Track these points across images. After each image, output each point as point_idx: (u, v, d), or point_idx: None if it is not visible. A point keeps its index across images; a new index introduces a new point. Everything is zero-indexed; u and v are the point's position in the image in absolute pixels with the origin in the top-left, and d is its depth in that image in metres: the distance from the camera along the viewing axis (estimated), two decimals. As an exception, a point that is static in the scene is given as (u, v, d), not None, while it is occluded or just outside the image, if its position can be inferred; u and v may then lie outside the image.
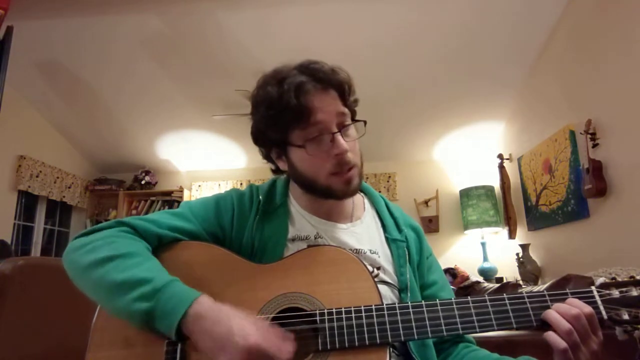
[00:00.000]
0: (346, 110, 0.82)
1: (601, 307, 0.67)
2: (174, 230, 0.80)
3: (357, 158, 0.83)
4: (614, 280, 0.69)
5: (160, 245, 0.79)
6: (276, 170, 0.92)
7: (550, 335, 0.64)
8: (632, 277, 0.66)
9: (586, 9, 2.66)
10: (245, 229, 0.85)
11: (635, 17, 2.26)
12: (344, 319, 0.69)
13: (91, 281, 0.71)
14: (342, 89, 0.82)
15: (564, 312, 0.65)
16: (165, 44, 3.22)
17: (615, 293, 0.68)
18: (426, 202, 4.45)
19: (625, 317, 0.66)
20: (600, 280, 0.64)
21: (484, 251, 3.91)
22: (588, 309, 0.65)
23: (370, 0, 2.88)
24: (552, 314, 0.66)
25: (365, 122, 0.84)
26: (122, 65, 3.43)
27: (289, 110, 0.77)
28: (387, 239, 0.89)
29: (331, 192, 0.82)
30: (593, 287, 0.69)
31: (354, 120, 0.84)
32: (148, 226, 0.79)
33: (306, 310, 0.71)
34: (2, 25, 2.36)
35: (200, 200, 0.90)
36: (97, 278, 0.70)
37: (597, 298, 0.68)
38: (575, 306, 0.65)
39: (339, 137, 0.78)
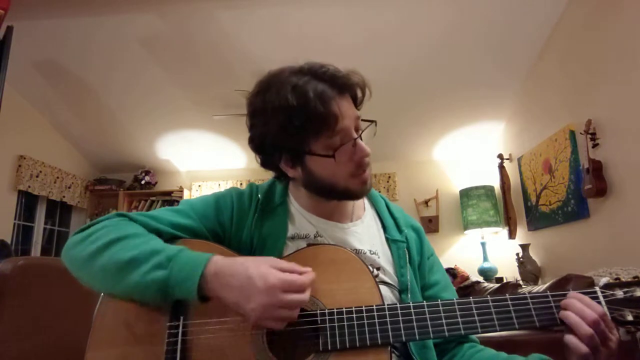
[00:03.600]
0: (359, 113, 0.83)
1: (605, 308, 0.67)
2: (174, 227, 0.80)
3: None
4: (618, 281, 0.68)
5: None
6: (279, 177, 0.90)
7: (571, 340, 0.64)
8: (636, 277, 0.65)
9: (586, 9, 2.66)
10: (245, 227, 0.85)
11: (635, 17, 2.26)
12: (345, 319, 0.69)
13: (97, 267, 0.71)
14: (356, 92, 0.83)
15: (583, 314, 0.65)
16: (166, 44, 3.21)
17: (619, 293, 0.68)
18: (426, 202, 4.45)
19: (629, 317, 0.66)
20: (604, 281, 0.64)
21: (484, 251, 3.91)
22: (601, 309, 0.65)
23: (372, 1, 2.88)
24: (572, 317, 0.65)
25: (375, 123, 0.84)
26: (123, 66, 3.43)
27: (315, 119, 0.74)
28: (387, 239, 0.89)
29: (349, 194, 0.83)
30: (597, 288, 0.69)
31: (364, 120, 0.84)
32: (148, 221, 0.79)
33: (307, 310, 0.71)
34: (2, 25, 2.36)
35: (201, 198, 0.89)
36: (104, 261, 0.70)
37: (602, 299, 0.68)
38: (587, 305, 0.66)
39: (361, 142, 0.79)
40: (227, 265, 0.67)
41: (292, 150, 0.80)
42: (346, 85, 0.79)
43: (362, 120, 0.83)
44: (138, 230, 0.75)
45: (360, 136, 0.80)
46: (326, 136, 0.76)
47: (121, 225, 0.76)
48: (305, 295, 0.66)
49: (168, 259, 0.68)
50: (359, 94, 0.83)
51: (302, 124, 0.75)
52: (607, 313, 0.66)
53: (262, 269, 0.66)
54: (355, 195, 0.84)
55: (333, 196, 0.84)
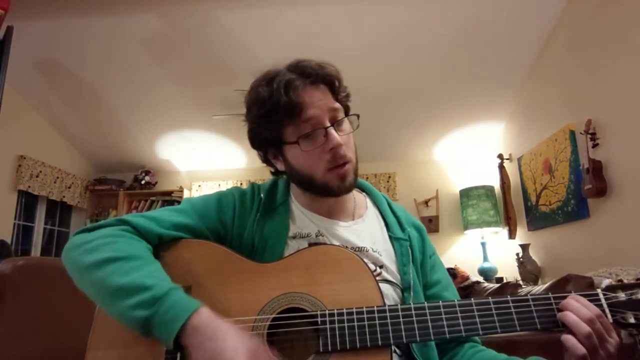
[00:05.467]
0: (338, 105, 0.82)
1: (607, 310, 0.67)
2: (175, 228, 0.80)
3: (351, 153, 0.83)
4: (620, 283, 0.68)
5: (161, 243, 0.79)
6: (275, 173, 0.92)
7: (569, 340, 0.64)
8: (638, 279, 0.65)
9: (586, 9, 2.66)
10: (246, 227, 0.85)
11: (634, 17, 2.26)
12: (345, 320, 0.69)
13: (91, 282, 0.70)
14: (332, 83, 0.83)
15: (580, 313, 0.65)
16: (166, 44, 3.21)
17: (621, 296, 0.67)
18: (426, 202, 4.45)
19: (631, 320, 0.65)
20: (606, 283, 0.64)
21: (484, 251, 3.91)
22: (597, 309, 0.66)
23: (371, 1, 2.88)
24: (570, 316, 0.65)
25: (358, 116, 0.84)
26: (123, 66, 3.43)
27: (280, 108, 0.78)
28: (390, 237, 0.89)
29: (328, 189, 0.82)
30: (599, 290, 0.69)
31: (347, 114, 0.85)
32: (149, 225, 0.78)
33: (307, 311, 0.71)
34: (2, 25, 2.35)
35: (202, 197, 0.90)
36: (96, 280, 0.69)
37: (603, 301, 0.68)
38: (584, 305, 0.66)
39: (332, 131, 0.79)
40: (208, 325, 0.63)
41: (271, 141, 0.84)
42: (316, 76, 0.81)
43: (351, 114, 0.84)
44: (136, 251, 0.73)
45: (334, 126, 0.79)
46: (294, 124, 0.79)
47: (121, 240, 0.74)
48: None
49: (154, 299, 0.65)
50: (337, 84, 0.84)
51: (270, 113, 0.79)
52: (609, 315, 0.66)
53: (238, 347, 0.61)
54: (333, 192, 0.82)
55: (313, 190, 0.84)
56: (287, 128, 0.80)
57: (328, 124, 0.79)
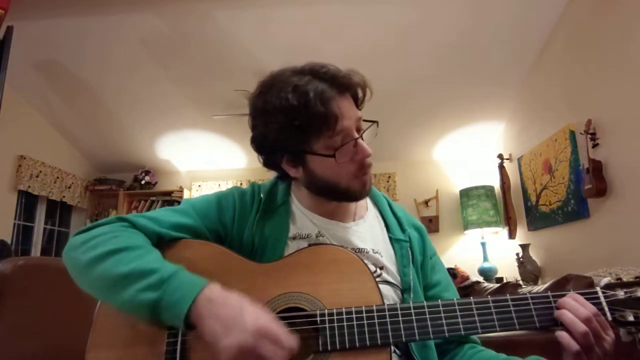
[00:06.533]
0: (360, 114, 0.82)
1: (606, 309, 0.67)
2: (175, 228, 0.80)
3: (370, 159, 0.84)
4: (619, 281, 0.68)
5: (160, 243, 0.78)
6: (281, 177, 0.90)
7: (563, 337, 0.64)
8: (637, 277, 0.65)
9: (586, 9, 2.66)
10: (246, 227, 0.84)
11: (634, 17, 2.26)
12: (344, 320, 0.69)
13: (94, 276, 0.70)
14: (357, 92, 0.83)
15: (577, 312, 0.65)
16: (165, 44, 3.21)
17: (621, 294, 0.67)
18: (426, 202, 4.45)
19: (630, 318, 0.65)
20: (605, 281, 0.64)
21: (484, 251, 3.91)
22: (594, 308, 0.66)
23: (371, 1, 2.88)
24: (567, 314, 0.65)
25: (377, 124, 0.84)
26: (122, 65, 3.43)
27: (315, 119, 0.75)
28: (390, 238, 0.89)
29: (350, 195, 0.83)
30: (598, 288, 0.69)
31: (366, 121, 0.84)
32: (148, 224, 0.78)
33: (307, 311, 0.71)
34: (2, 25, 2.36)
35: (202, 198, 0.89)
36: (100, 272, 0.69)
37: (602, 299, 0.68)
38: (582, 304, 0.66)
39: (362, 142, 0.79)
40: (221, 296, 0.64)
41: (293, 150, 0.80)
42: (346, 85, 0.80)
43: (364, 120, 0.83)
44: (137, 242, 0.73)
45: (361, 136, 0.80)
46: (327, 136, 0.77)
47: (122, 233, 0.75)
48: (284, 355, 0.61)
49: (161, 280, 0.66)
50: (360, 93, 0.84)
51: (302, 124, 0.76)
52: (608, 313, 0.66)
53: (257, 309, 0.63)
54: (355, 197, 0.84)
55: (334, 196, 0.84)
56: (318, 138, 0.77)
57: (356, 135, 0.79)
